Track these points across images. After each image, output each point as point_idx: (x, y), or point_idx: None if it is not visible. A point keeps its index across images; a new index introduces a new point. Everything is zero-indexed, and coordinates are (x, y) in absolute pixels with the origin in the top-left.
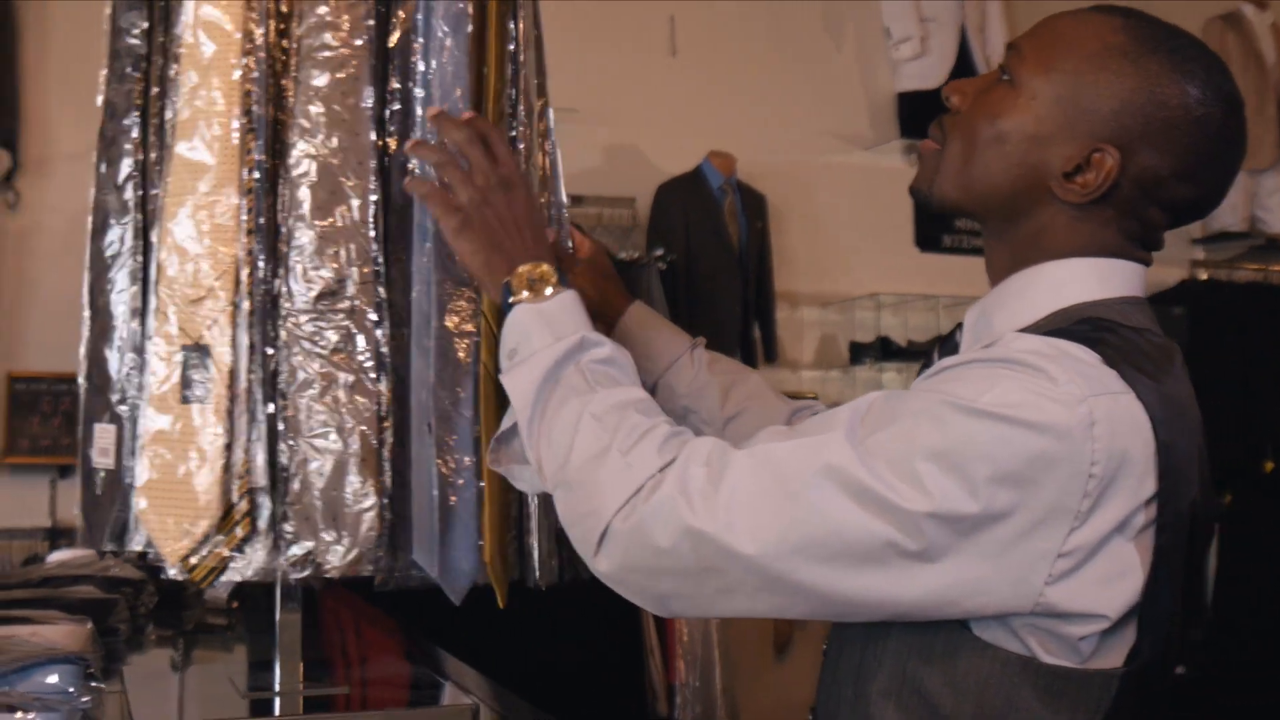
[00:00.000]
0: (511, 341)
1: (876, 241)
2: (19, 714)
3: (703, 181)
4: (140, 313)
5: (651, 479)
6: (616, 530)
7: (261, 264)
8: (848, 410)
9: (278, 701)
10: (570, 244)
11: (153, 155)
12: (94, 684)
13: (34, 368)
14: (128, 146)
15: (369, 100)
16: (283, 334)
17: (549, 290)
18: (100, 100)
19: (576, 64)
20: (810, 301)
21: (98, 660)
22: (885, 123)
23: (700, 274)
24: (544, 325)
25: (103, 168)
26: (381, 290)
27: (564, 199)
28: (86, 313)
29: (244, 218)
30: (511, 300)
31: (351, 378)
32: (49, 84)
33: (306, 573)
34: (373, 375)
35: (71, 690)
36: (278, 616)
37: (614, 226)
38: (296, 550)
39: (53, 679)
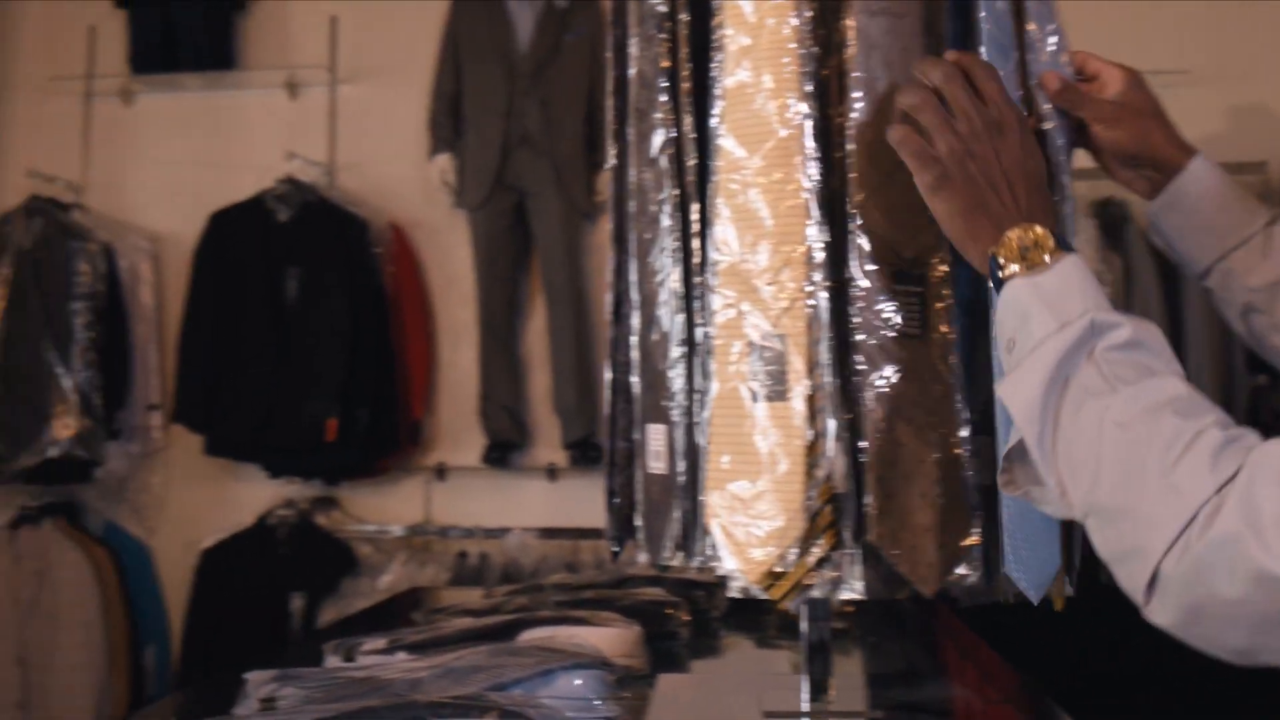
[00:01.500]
0: (1008, 329)
1: None
2: None
3: None
4: (684, 297)
5: (1206, 506)
6: (1168, 575)
7: (835, 242)
8: None
9: None
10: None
11: (686, 123)
12: (619, 691)
13: None
14: (658, 116)
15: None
16: (855, 319)
17: (1046, 258)
18: (633, 72)
19: (1186, 23)
20: None
21: (641, 664)
22: None
23: None
24: (1044, 306)
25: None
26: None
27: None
28: (609, 298)
29: (812, 190)
30: (1001, 275)
31: (937, 367)
32: None
33: (901, 592)
34: (953, 364)
35: (591, 697)
36: (803, 628)
37: None
38: (882, 565)
39: (577, 683)
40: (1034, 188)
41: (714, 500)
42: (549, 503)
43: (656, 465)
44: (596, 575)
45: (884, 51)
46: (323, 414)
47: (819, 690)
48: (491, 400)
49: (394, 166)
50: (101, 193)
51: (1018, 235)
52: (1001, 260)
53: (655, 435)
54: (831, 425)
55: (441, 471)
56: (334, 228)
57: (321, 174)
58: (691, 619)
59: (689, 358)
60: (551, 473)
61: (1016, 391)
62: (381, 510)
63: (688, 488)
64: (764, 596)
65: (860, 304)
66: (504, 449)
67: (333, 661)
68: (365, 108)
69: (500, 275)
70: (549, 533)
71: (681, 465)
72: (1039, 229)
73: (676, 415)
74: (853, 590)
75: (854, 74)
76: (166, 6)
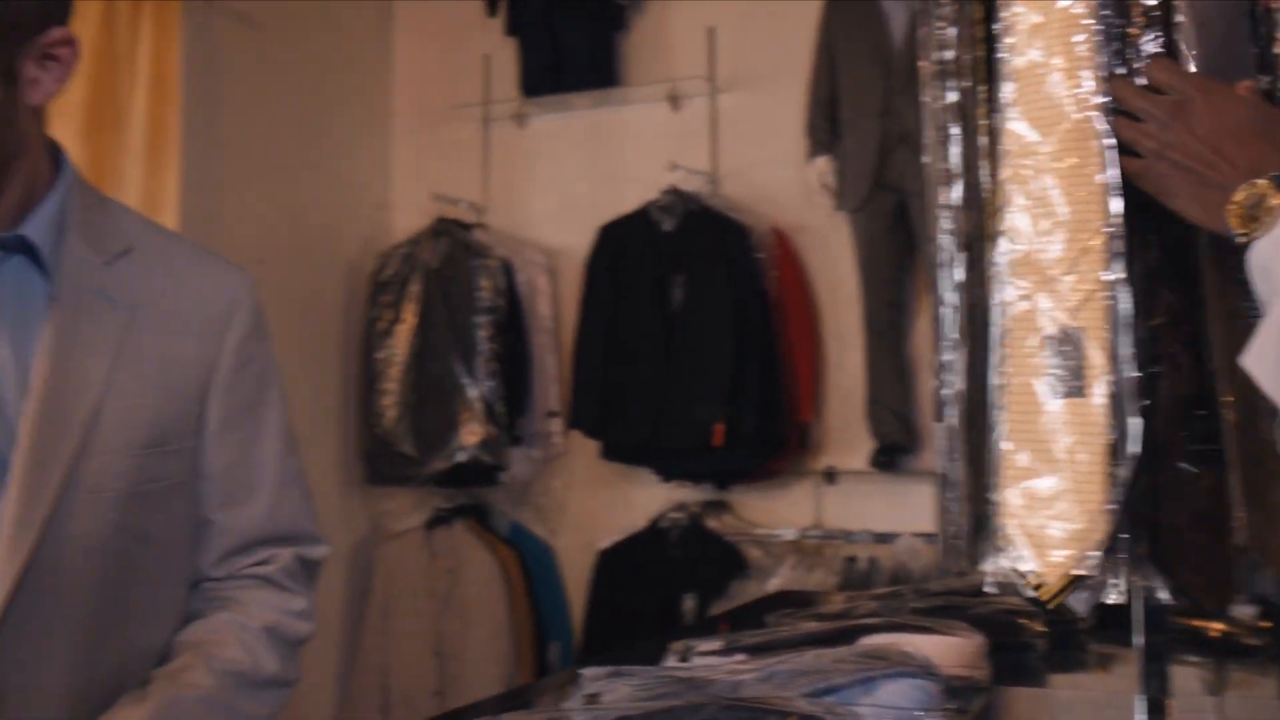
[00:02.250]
0: (1262, 293)
1: None
2: None
3: None
4: (966, 288)
5: None
6: None
7: (1140, 230)
8: None
9: None
10: None
11: (979, 109)
12: (946, 701)
13: None
14: (950, 100)
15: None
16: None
17: (1276, 206)
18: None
19: None
20: None
21: (983, 676)
22: None
23: None
24: None
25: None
26: None
27: None
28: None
29: (1108, 175)
30: (1240, 240)
31: None
32: None
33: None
34: None
35: (912, 707)
36: (1136, 642)
37: None
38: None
39: (900, 693)
40: (1244, 142)
41: (1011, 499)
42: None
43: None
44: (956, 583)
45: (1198, 29)
46: (710, 418)
47: (1156, 712)
48: (878, 403)
49: (775, 172)
50: (500, 212)
51: (1243, 195)
52: (1235, 225)
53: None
54: (1134, 424)
55: (831, 475)
56: (717, 235)
57: (704, 183)
58: (1050, 630)
59: (972, 352)
60: None
61: (1260, 358)
62: (771, 513)
63: (978, 487)
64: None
65: (1207, 293)
66: (892, 452)
67: (671, 661)
68: (745, 115)
69: (882, 277)
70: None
71: (962, 463)
72: (1260, 181)
73: (952, 413)
74: (1118, 595)
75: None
76: (553, 31)
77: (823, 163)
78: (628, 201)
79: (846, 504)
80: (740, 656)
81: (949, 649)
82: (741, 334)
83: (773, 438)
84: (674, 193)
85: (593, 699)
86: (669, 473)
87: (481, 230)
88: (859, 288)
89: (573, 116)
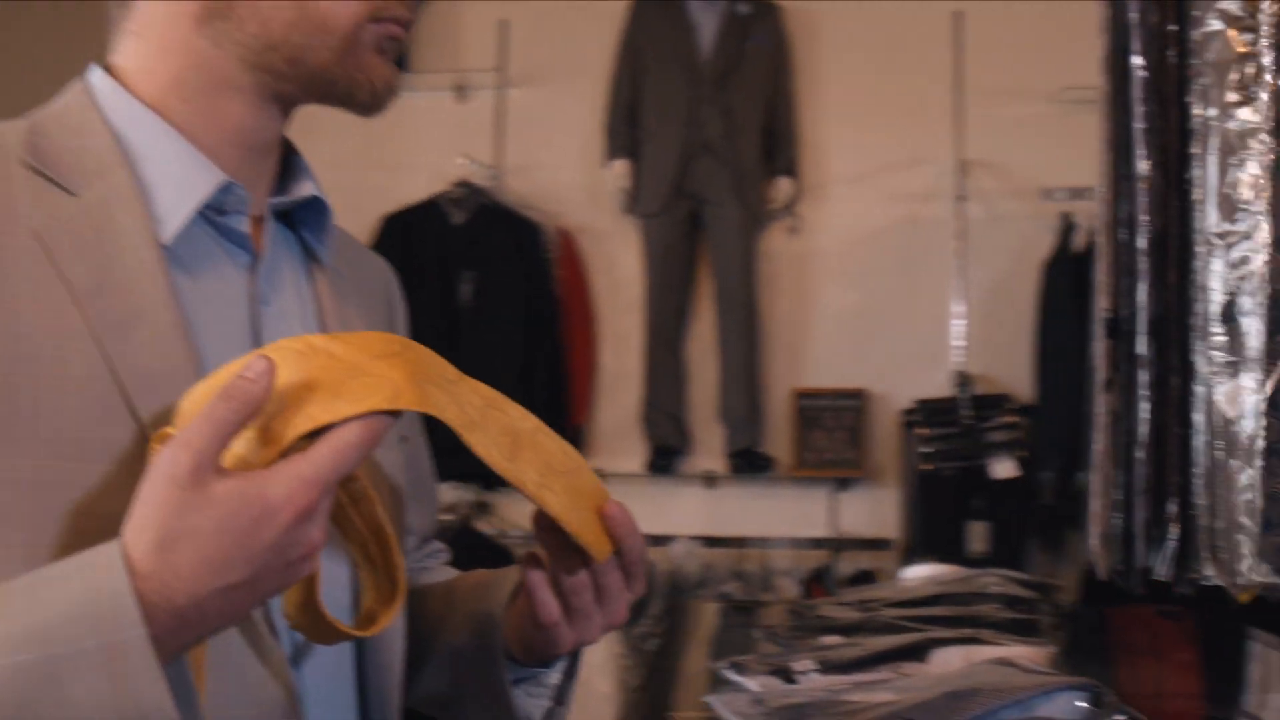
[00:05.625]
0: None
1: None
2: None
3: None
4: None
5: None
6: None
7: None
8: None
9: None
10: None
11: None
12: (1117, 713)
13: (817, 384)
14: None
15: None
16: None
17: None
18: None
19: None
20: None
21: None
22: None
23: None
24: None
25: None
26: None
27: None
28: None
29: None
30: None
31: None
32: (821, 113)
33: None
34: None
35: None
36: None
37: None
38: None
39: (1080, 705)
40: None
41: None
42: (706, 510)
43: None
44: (886, 593)
45: None
46: None
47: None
48: (656, 407)
49: (560, 172)
50: None
51: None
52: None
53: None
54: None
55: (600, 477)
56: (510, 231)
57: (489, 177)
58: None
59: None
60: (710, 480)
61: None
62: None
63: None
64: None
65: None
66: (668, 455)
67: (769, 682)
68: (533, 112)
69: (673, 283)
70: (713, 541)
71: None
72: None
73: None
74: None
75: None
76: None
77: (620, 165)
78: (406, 190)
79: None
80: (835, 675)
81: (1035, 656)
82: (530, 334)
83: None
84: (465, 185)
85: None
86: (439, 473)
87: None
88: (645, 293)
89: None
